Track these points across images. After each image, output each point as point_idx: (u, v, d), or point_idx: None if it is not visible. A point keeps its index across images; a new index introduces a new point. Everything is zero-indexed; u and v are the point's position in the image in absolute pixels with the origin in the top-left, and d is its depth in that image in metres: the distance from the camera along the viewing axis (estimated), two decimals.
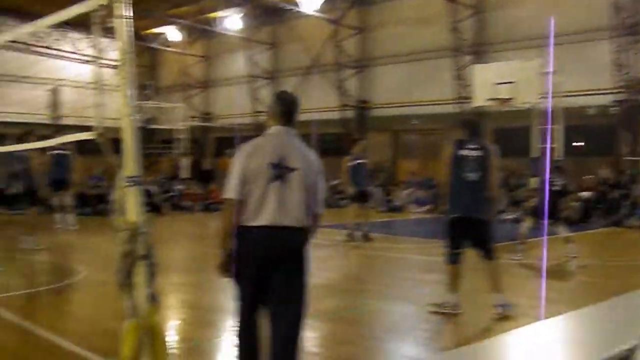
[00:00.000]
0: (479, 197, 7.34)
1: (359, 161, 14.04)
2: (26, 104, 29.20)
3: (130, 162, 4.23)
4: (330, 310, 7.72)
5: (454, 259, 7.50)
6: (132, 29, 4.40)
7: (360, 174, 14.03)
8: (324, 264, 10.86)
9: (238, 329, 4.39)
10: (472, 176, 7.34)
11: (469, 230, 7.43)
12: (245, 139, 4.99)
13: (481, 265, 7.58)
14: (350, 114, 27.86)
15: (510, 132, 20.85)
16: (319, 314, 7.05)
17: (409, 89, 25.57)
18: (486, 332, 6.68)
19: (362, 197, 14.18)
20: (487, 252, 7.44)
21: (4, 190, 21.73)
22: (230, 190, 4.23)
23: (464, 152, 7.42)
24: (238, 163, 4.25)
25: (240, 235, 4.26)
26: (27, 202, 13.13)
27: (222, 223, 4.33)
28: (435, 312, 7.40)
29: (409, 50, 25.50)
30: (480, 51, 23.65)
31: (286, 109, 4.41)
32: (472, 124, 7.84)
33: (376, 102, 27.27)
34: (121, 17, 4.31)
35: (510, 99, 16.08)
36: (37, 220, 13.06)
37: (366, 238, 13.95)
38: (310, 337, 6.09)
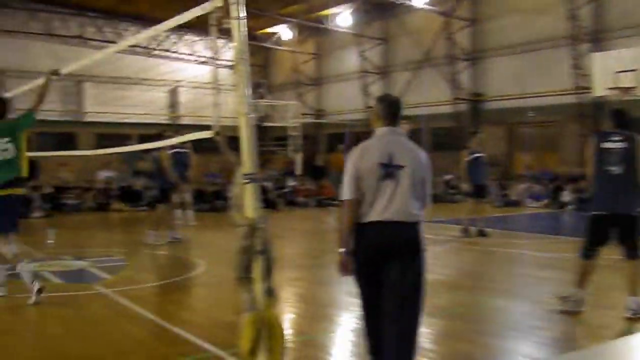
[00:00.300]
0: (624, 192, 6.96)
1: (476, 155, 13.78)
2: (147, 105, 30.50)
3: (247, 160, 4.34)
4: (445, 306, 7.63)
5: (589, 254, 7.17)
6: (246, 29, 4.51)
7: (478, 168, 13.77)
8: (438, 260, 10.75)
9: (362, 324, 4.59)
10: (616, 169, 6.99)
11: (613, 227, 7.07)
12: (357, 134, 5.05)
13: (620, 264, 7.24)
14: (463, 107, 27.41)
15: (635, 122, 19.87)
16: (435, 310, 6.99)
17: (524, 80, 24.85)
18: (611, 333, 6.41)
19: (479, 192, 13.92)
20: (631, 251, 7.03)
21: (127, 187, 22.91)
22: (346, 191, 4.42)
23: (608, 145, 7.06)
24: (350, 165, 4.44)
25: (356, 231, 4.41)
26: (157, 200, 13.68)
27: (341, 223, 4.50)
28: (558, 306, 7.16)
29: (523, 41, 24.79)
30: (599, 38, 22.66)
31: (390, 110, 4.59)
32: (618, 114, 7.38)
33: (490, 94, 26.68)
34: (236, 18, 4.43)
35: (633, 87, 15.36)
36: (165, 217, 13.54)
37: (481, 234, 13.69)
38: (426, 333, 6.05)
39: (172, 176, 13.36)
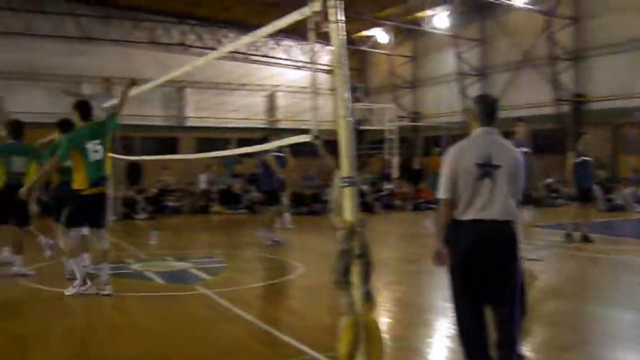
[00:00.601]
0: None
1: (584, 158, 13.31)
2: (245, 109, 31.03)
3: (345, 163, 4.34)
4: (548, 314, 7.40)
5: None
6: (345, 32, 4.50)
7: (585, 171, 13.28)
8: (540, 265, 10.44)
9: (458, 326, 4.60)
10: None
11: None
12: (454, 137, 5.05)
13: None
14: (565, 108, 26.56)
15: None
16: (537, 317, 6.79)
17: (630, 79, 23.84)
18: None
19: (584, 196, 13.42)
20: None
21: (227, 190, 23.39)
22: (442, 190, 4.54)
23: None
24: (447, 165, 4.54)
25: (453, 228, 4.53)
26: (264, 202, 13.92)
27: (437, 220, 4.67)
28: None
29: (629, 38, 23.81)
30: None
31: (487, 110, 4.66)
32: None
33: (593, 95, 25.75)
34: (335, 21, 4.43)
35: None
36: (274, 219, 13.71)
37: (586, 239, 13.18)
38: (529, 342, 5.87)
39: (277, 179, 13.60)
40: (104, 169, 8.36)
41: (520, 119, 11.75)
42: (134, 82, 8.95)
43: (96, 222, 8.39)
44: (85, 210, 8.26)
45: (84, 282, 8.31)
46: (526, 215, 10.70)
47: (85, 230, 8.62)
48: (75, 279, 8.44)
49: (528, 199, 10.77)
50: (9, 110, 22.23)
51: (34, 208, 10.17)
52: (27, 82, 27.36)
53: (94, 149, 8.23)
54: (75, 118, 8.61)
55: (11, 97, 26.50)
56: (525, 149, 10.44)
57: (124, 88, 9.00)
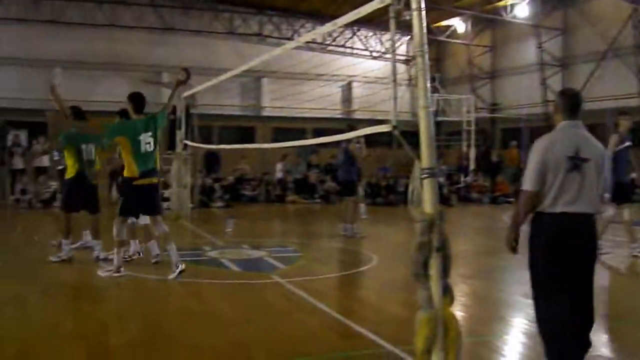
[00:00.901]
0: None
1: None
2: (321, 99, 31.05)
3: (426, 154, 4.26)
4: (633, 313, 7.14)
5: None
6: (426, 20, 4.41)
7: None
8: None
9: (540, 317, 4.64)
10: None
11: None
12: (532, 129, 4.97)
13: None
14: None
15: None
16: (621, 317, 6.55)
17: None
18: None
19: None
20: None
21: (302, 179, 23.51)
22: (529, 181, 4.56)
23: None
24: (536, 157, 4.55)
25: (537, 220, 4.58)
26: (343, 193, 13.90)
27: (517, 209, 4.71)
28: None
29: None
30: None
31: (572, 103, 4.69)
32: None
33: None
34: (417, 9, 4.34)
35: None
36: (353, 209, 13.66)
37: None
38: (609, 342, 5.66)
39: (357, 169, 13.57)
40: (154, 161, 8.68)
41: (624, 112, 11.37)
42: (182, 82, 9.32)
43: (151, 210, 8.75)
44: (139, 200, 8.61)
45: (118, 270, 8.63)
46: (626, 214, 10.37)
47: (142, 219, 9.07)
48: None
49: (627, 195, 10.43)
50: (92, 99, 22.93)
51: (114, 194, 10.53)
52: (110, 72, 28.12)
53: (146, 140, 8.53)
54: (129, 109, 8.87)
55: (94, 87, 27.37)
56: (628, 143, 10.10)
57: (173, 87, 9.45)
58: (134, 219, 9.30)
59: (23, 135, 21.41)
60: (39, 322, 6.51)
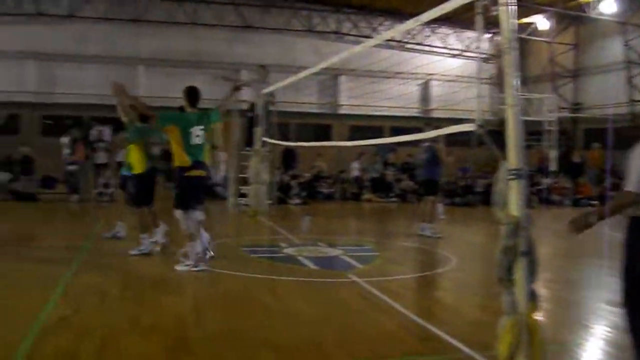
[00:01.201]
0: None
1: None
2: (399, 98, 30.84)
3: (513, 154, 4.12)
4: None
5: None
6: (515, 16, 4.27)
7: None
8: None
9: (633, 329, 4.34)
10: None
11: None
12: (618, 130, 4.69)
13: None
14: None
15: None
16: None
17: None
18: None
19: None
20: None
21: (379, 178, 23.40)
22: (633, 184, 4.23)
23: None
24: None
25: (635, 225, 4.27)
26: (424, 192, 13.77)
27: (613, 205, 4.35)
28: None
29: None
30: None
31: None
32: None
33: None
34: (505, 4, 4.20)
35: None
36: (431, 208, 13.50)
37: None
38: None
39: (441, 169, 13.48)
40: (202, 154, 8.96)
41: None
42: (238, 88, 9.63)
43: (195, 203, 9.00)
44: (193, 192, 8.93)
45: (196, 265, 8.86)
46: None
47: (199, 214, 9.11)
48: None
49: None
50: (172, 95, 23.37)
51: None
52: (190, 69, 28.62)
53: (197, 133, 8.84)
54: (184, 103, 9.15)
55: (175, 83, 27.82)
56: None
57: (229, 91, 10.09)
58: (197, 215, 9.12)
59: (107, 131, 21.95)
60: (119, 315, 6.63)
